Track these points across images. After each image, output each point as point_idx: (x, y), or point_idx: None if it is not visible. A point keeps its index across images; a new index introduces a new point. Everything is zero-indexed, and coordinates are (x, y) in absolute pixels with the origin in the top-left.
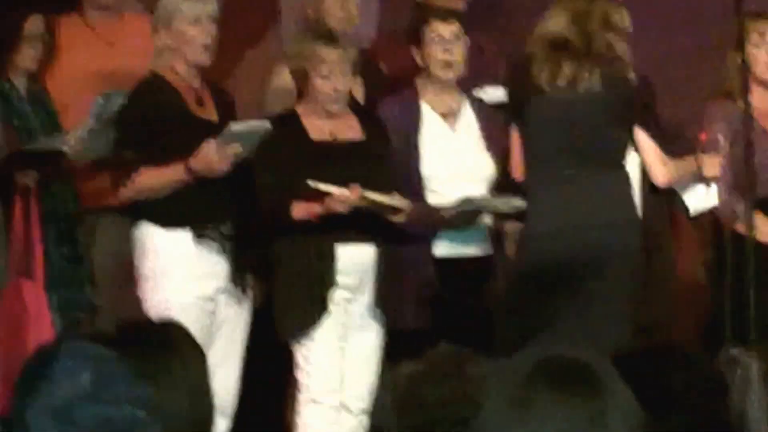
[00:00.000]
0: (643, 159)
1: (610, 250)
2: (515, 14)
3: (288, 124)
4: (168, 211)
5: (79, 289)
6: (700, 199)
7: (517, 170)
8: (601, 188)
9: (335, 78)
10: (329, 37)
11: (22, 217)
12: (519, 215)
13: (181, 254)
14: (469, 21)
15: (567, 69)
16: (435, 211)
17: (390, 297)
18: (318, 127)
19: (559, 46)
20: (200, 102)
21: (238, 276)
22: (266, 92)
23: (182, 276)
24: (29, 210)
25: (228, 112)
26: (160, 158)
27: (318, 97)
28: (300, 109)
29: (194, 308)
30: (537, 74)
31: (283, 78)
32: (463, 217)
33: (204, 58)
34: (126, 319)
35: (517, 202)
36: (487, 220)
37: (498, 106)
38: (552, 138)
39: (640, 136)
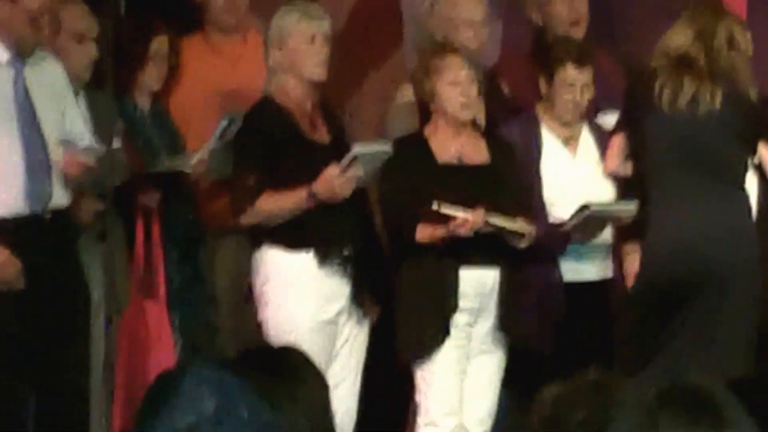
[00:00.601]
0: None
1: (731, 270)
2: (636, 28)
3: (415, 145)
4: (291, 233)
5: (199, 309)
6: None
7: (610, 163)
8: (722, 207)
9: (462, 85)
10: (450, 48)
11: (144, 237)
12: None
13: (304, 276)
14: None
15: (689, 88)
16: (557, 227)
17: (514, 320)
18: (445, 149)
19: (682, 64)
20: (313, 124)
21: (359, 297)
22: (389, 112)
23: (304, 298)
24: (151, 230)
25: (339, 133)
26: (275, 181)
27: (446, 107)
28: (427, 131)
29: (315, 330)
30: (658, 91)
31: (406, 98)
32: (584, 227)
33: (319, 76)
34: (248, 344)
35: (633, 206)
36: (607, 235)
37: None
38: (672, 156)
39: (762, 148)
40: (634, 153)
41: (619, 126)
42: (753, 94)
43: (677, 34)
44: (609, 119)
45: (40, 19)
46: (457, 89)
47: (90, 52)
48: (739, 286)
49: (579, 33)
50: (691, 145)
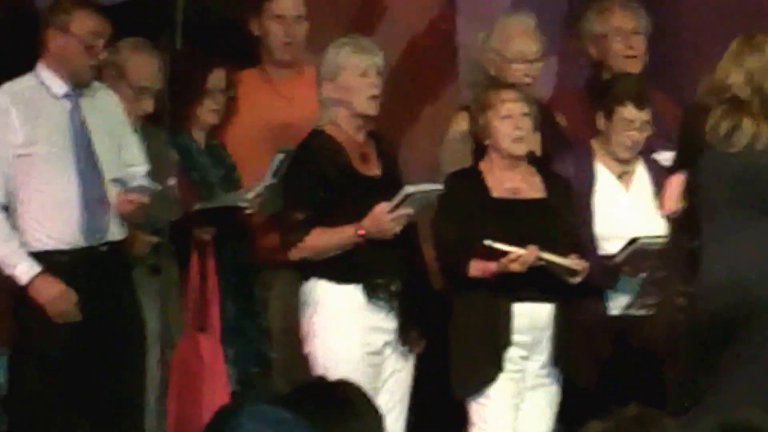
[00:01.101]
0: None
1: None
2: (691, 65)
3: (469, 179)
4: (339, 266)
5: (254, 343)
6: None
7: (668, 204)
8: None
9: (516, 120)
10: (508, 84)
11: (198, 270)
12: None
13: (351, 309)
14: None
15: (747, 128)
16: (607, 261)
17: (567, 356)
18: (499, 184)
19: (735, 103)
20: (364, 158)
21: (406, 331)
22: (443, 145)
23: (351, 330)
24: (205, 264)
25: (392, 166)
26: (326, 216)
27: (499, 141)
28: (482, 165)
29: (361, 362)
30: (713, 129)
31: (460, 131)
32: (633, 261)
33: (371, 110)
34: (303, 379)
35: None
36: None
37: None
38: (729, 193)
39: None
40: (688, 190)
41: (676, 166)
42: None
43: (727, 73)
44: (665, 156)
45: (95, 45)
46: (510, 123)
47: (146, 106)
48: None
49: (635, 67)
50: (746, 183)
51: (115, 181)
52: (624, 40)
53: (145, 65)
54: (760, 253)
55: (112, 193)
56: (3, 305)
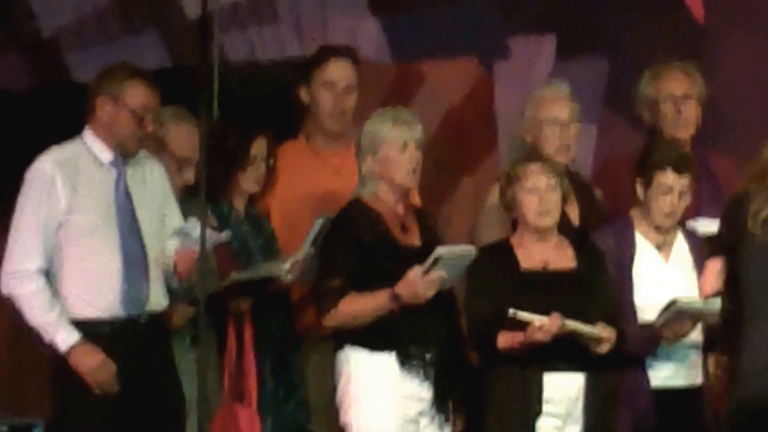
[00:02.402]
0: None
1: None
2: (752, 126)
3: (499, 252)
4: (373, 334)
5: (292, 416)
6: None
7: (708, 288)
8: None
9: (541, 193)
10: (533, 156)
11: (236, 341)
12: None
13: (385, 377)
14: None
15: None
16: (646, 328)
17: (603, 427)
18: (530, 256)
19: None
20: (404, 228)
21: (441, 402)
22: (479, 217)
23: (385, 398)
24: (243, 334)
25: (432, 236)
26: (364, 285)
27: (525, 214)
28: (513, 239)
29: (396, 430)
30: (755, 214)
31: (495, 200)
32: (673, 324)
33: (411, 183)
34: None
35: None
36: (697, 337)
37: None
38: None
39: None
40: (728, 276)
41: (716, 250)
42: None
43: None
44: (704, 224)
45: (145, 117)
46: (535, 197)
47: (189, 176)
48: None
49: (686, 133)
50: None
51: (178, 233)
52: (675, 105)
53: (187, 136)
54: None
55: (156, 260)
56: (39, 374)
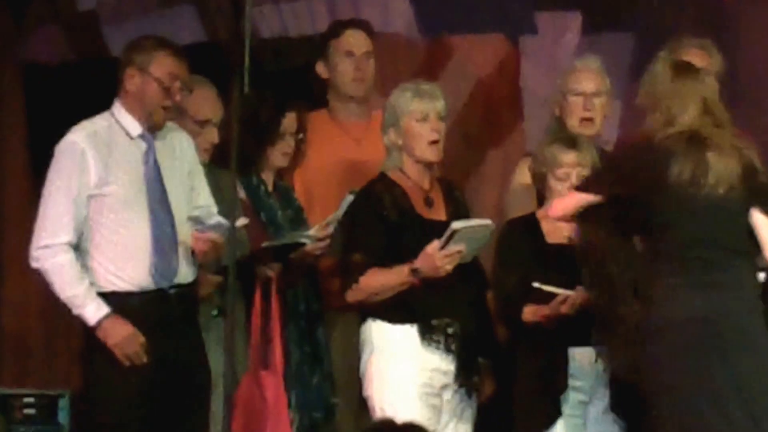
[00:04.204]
0: (761, 239)
1: (752, 337)
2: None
3: (526, 226)
4: (395, 307)
5: (317, 389)
6: None
7: (557, 211)
8: (739, 276)
9: (572, 180)
10: (569, 142)
11: (262, 309)
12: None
13: (407, 349)
14: None
15: (713, 165)
16: None
17: (624, 402)
18: (556, 230)
19: (695, 140)
20: (429, 202)
21: (465, 375)
22: (507, 192)
23: (407, 370)
24: (270, 303)
25: (459, 210)
26: (388, 259)
27: (553, 194)
28: (539, 213)
29: (419, 402)
30: (680, 171)
31: (524, 177)
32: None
33: (432, 156)
34: (373, 422)
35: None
36: None
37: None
38: (690, 231)
39: (760, 216)
40: (647, 229)
41: (592, 186)
42: (758, 160)
43: (683, 110)
44: None
45: (173, 86)
46: (566, 185)
47: (211, 137)
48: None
49: None
50: (713, 219)
51: (192, 219)
52: None
53: (203, 98)
54: (723, 288)
55: (184, 232)
56: (67, 346)
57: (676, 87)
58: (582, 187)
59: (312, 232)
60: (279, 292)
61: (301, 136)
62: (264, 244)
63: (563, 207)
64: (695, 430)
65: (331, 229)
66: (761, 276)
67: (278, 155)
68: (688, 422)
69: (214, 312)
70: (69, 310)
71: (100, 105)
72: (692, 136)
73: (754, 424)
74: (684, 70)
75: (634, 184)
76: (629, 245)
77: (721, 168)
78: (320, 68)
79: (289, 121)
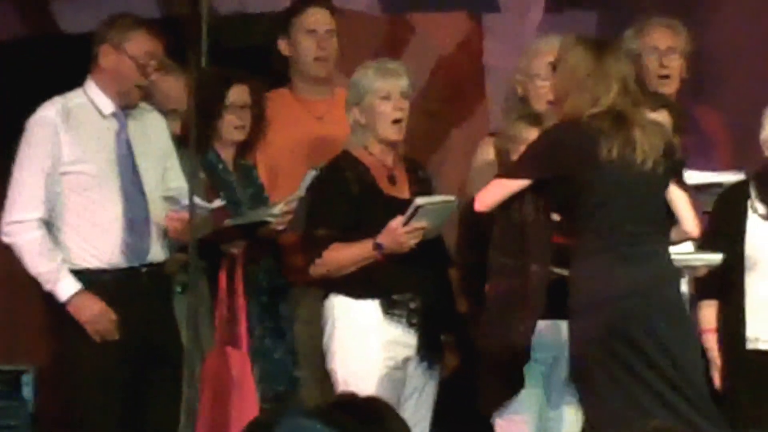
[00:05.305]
0: (678, 212)
1: (677, 307)
2: (735, 79)
3: None
4: (358, 282)
5: (280, 362)
6: None
7: (486, 201)
8: (662, 249)
9: None
10: (534, 119)
11: (227, 286)
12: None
13: (369, 324)
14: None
15: (639, 142)
16: None
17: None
18: None
19: (621, 120)
20: (392, 180)
21: (427, 348)
22: (471, 169)
23: (370, 345)
24: (234, 280)
25: (423, 188)
26: (350, 235)
27: None
28: None
29: (381, 376)
30: (609, 149)
31: (487, 155)
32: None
33: (394, 135)
34: (335, 395)
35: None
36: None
37: (697, 189)
38: (620, 207)
39: (677, 190)
40: (575, 206)
41: (519, 173)
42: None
43: (604, 89)
44: (690, 177)
45: (148, 65)
46: None
47: (174, 127)
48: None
49: (670, 87)
50: (637, 194)
51: (167, 199)
52: (659, 60)
53: (173, 88)
54: (646, 264)
55: (157, 212)
56: (31, 322)
57: (599, 67)
58: (507, 173)
59: (276, 210)
60: (243, 269)
61: (256, 110)
62: (227, 222)
63: (492, 198)
64: (626, 401)
65: (293, 205)
66: (715, 258)
67: (230, 128)
68: (619, 393)
69: (179, 289)
70: (33, 286)
71: (52, 82)
72: (617, 115)
73: (678, 393)
74: (606, 50)
75: (565, 164)
76: (548, 224)
77: (647, 145)
78: (282, 45)
79: (237, 93)
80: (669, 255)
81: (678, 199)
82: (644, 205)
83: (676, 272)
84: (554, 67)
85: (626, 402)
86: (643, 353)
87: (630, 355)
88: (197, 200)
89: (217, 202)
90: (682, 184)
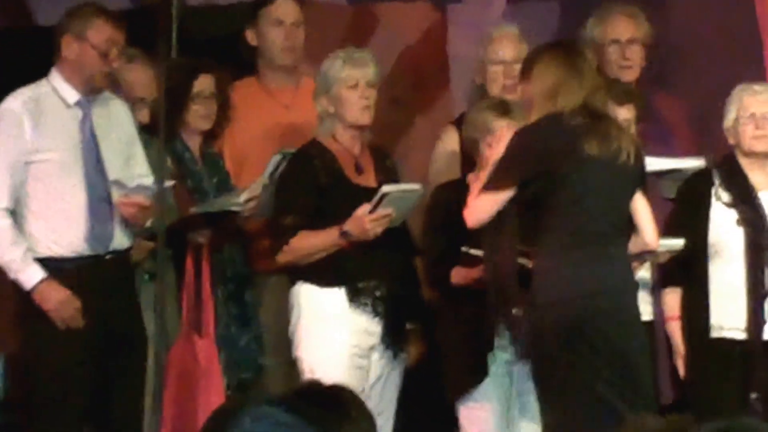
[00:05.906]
0: (639, 222)
1: (635, 320)
2: (696, 69)
3: (456, 191)
4: (323, 270)
5: (246, 350)
6: None
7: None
8: (624, 252)
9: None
10: (501, 109)
11: (194, 274)
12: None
13: (335, 312)
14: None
15: (615, 140)
16: None
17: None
18: None
19: (597, 118)
20: (359, 168)
21: (392, 336)
22: (432, 157)
23: (335, 333)
24: (201, 268)
25: (390, 177)
26: (317, 223)
27: (488, 160)
28: (470, 178)
29: (346, 364)
30: (590, 146)
31: (450, 142)
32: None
33: (362, 122)
34: (300, 383)
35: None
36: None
37: (657, 175)
38: (594, 206)
39: (641, 200)
40: (549, 201)
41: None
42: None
43: (581, 88)
44: (649, 163)
45: (110, 53)
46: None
47: (143, 116)
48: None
49: (630, 77)
50: (609, 194)
51: (114, 183)
52: (620, 50)
53: (139, 76)
54: (613, 265)
55: (115, 197)
56: (1, 309)
57: (574, 68)
58: (493, 185)
59: (241, 198)
60: (209, 256)
61: (221, 99)
62: (192, 210)
63: (484, 214)
64: (584, 400)
65: (257, 192)
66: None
67: (196, 118)
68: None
69: (146, 277)
70: (2, 274)
71: (25, 75)
72: (592, 114)
73: (635, 397)
74: (576, 52)
75: (547, 159)
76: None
77: (623, 144)
78: (249, 35)
79: (204, 83)
80: (629, 261)
81: (642, 208)
82: (615, 208)
83: (636, 282)
84: (523, 74)
85: (582, 404)
86: (599, 355)
87: (589, 354)
88: (143, 180)
89: (168, 183)
90: (646, 194)
